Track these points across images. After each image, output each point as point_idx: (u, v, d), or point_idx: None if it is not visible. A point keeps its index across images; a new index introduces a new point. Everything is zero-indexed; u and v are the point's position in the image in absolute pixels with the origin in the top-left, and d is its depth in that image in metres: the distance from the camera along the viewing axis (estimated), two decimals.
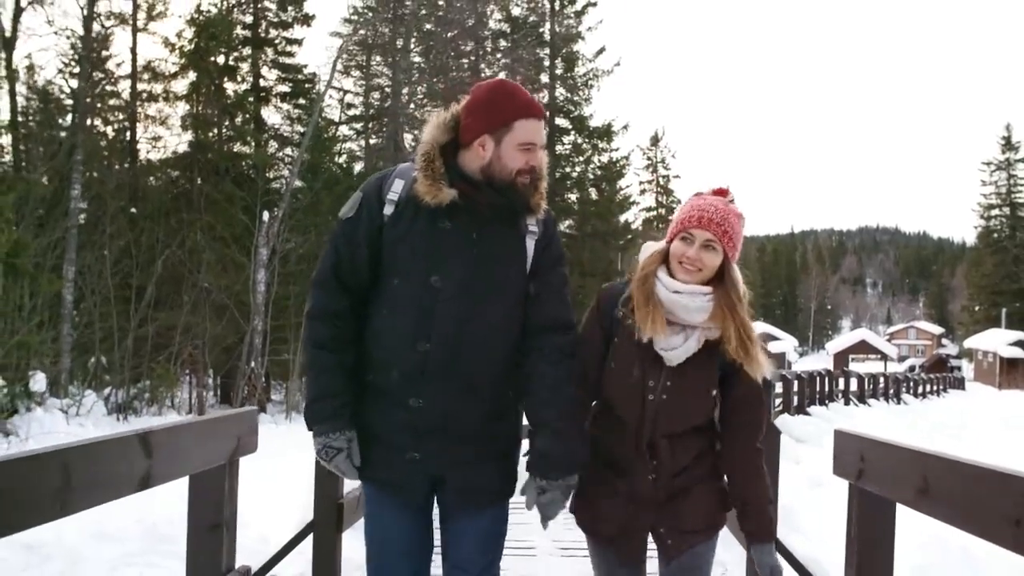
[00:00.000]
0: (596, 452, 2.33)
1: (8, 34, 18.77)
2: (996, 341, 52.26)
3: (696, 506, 2.26)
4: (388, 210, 2.21)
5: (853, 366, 49.18)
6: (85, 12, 19.63)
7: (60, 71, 22.88)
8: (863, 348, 71.91)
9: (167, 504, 5.24)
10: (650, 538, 2.34)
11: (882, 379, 25.73)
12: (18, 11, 19.72)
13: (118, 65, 22.98)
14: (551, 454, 2.22)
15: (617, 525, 2.29)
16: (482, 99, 2.22)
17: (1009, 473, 1.61)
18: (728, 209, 2.22)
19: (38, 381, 12.14)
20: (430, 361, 2.17)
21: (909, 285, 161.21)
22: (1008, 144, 61.11)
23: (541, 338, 2.25)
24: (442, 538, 2.39)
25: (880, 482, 2.40)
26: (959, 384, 41.78)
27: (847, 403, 20.21)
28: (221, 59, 22.81)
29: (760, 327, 45.04)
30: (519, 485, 2.33)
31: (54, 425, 11.85)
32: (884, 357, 68.65)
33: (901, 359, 75.46)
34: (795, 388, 16.16)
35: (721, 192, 2.29)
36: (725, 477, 2.32)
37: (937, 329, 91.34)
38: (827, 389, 19.05)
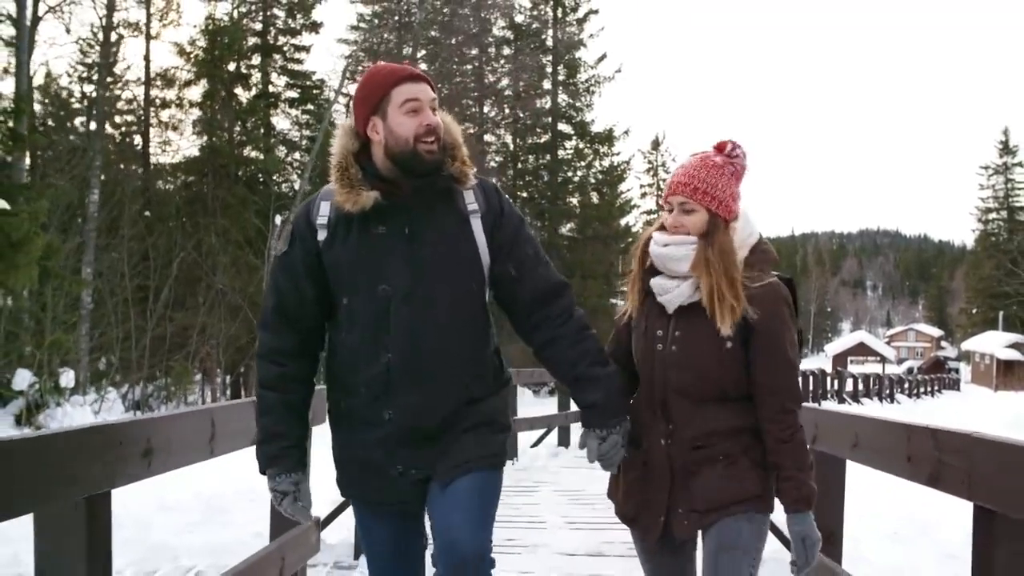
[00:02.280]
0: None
1: (21, 41, 19.39)
2: (993, 343, 52.86)
3: (712, 482, 2.12)
4: (321, 235, 2.14)
5: (852, 368, 49.81)
6: (104, 22, 20.26)
7: (80, 77, 23.55)
8: (862, 350, 72.51)
9: (220, 481, 5.90)
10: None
11: (875, 379, 26.35)
12: (35, 20, 20.39)
13: (126, 69, 23.64)
14: (597, 403, 2.17)
15: (635, 503, 2.22)
16: (359, 88, 2.18)
17: (903, 423, 2.23)
18: (701, 164, 2.17)
19: (68, 378, 12.78)
20: (393, 371, 2.11)
21: (909, 288, 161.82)
22: (1006, 148, 61.57)
23: (540, 310, 2.21)
24: (431, 514, 2.24)
25: (829, 442, 3.01)
26: (954, 385, 42.44)
27: (840, 402, 20.82)
28: (232, 66, 23.47)
29: None
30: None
31: (83, 419, 12.48)
32: (883, 359, 69.24)
33: (900, 361, 76.00)
34: None
35: (720, 147, 2.22)
36: (762, 458, 2.15)
37: (936, 332, 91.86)
38: (821, 388, 19.65)
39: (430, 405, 2.12)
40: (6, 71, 17.19)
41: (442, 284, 2.12)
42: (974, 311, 63.64)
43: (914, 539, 5.29)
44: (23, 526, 5.23)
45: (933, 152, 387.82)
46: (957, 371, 56.99)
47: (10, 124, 13.70)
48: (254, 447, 2.23)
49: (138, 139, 24.28)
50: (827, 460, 3.08)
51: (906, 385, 30.38)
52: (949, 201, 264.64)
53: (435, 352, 2.11)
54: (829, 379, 22.38)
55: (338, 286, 2.14)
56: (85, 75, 23.48)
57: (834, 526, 3.20)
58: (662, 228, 2.24)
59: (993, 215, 61.99)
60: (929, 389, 33.36)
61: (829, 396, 20.66)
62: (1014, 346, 51.12)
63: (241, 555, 3.43)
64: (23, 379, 12.16)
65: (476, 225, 2.17)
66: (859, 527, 5.03)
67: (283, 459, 2.15)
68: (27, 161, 19.83)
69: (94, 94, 21.42)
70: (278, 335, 2.18)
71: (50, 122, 22.23)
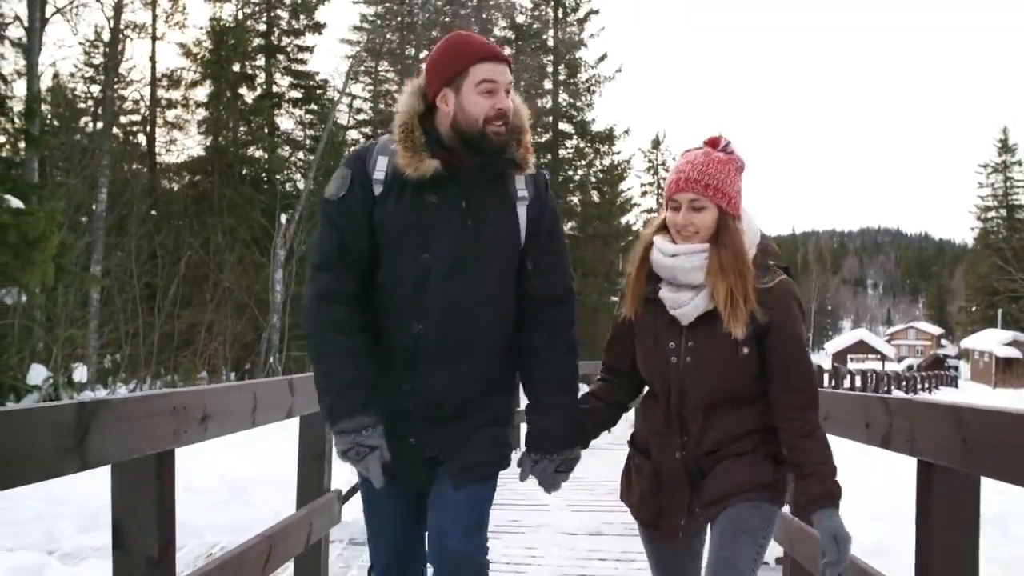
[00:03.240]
0: (635, 438, 2.28)
1: (32, 44, 19.69)
2: (992, 341, 53.14)
3: (724, 476, 2.09)
4: (377, 189, 2.09)
5: (851, 366, 50.14)
6: (112, 24, 20.60)
7: (83, 77, 23.89)
8: (861, 348, 72.89)
9: (242, 464, 6.22)
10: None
11: (872, 376, 26.68)
12: (43, 22, 20.71)
13: (130, 69, 24.01)
14: (540, 430, 2.19)
15: (651, 510, 2.19)
16: (437, 54, 2.10)
17: (861, 395, 2.55)
18: (709, 159, 2.07)
19: (81, 373, 13.12)
20: (423, 341, 2.07)
21: (910, 286, 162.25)
22: (1005, 147, 61.80)
23: (540, 311, 2.18)
24: (429, 512, 2.24)
25: None
26: (952, 382, 42.78)
27: None
28: (237, 67, 23.80)
29: None
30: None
31: None
32: (883, 357, 69.58)
33: (900, 359, 76.32)
34: None
35: (713, 142, 2.13)
36: (775, 453, 2.14)
37: (936, 330, 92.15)
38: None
39: (456, 383, 2.10)
40: (19, 73, 17.51)
41: (494, 263, 2.11)
42: (973, 309, 63.88)
43: (897, 518, 5.60)
44: (56, 504, 5.54)
45: (934, 150, 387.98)
46: (956, 369, 57.30)
47: (22, 125, 14.05)
48: (323, 403, 2.08)
49: (143, 139, 24.65)
50: None
51: (903, 383, 30.71)
52: (950, 199, 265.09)
53: (472, 327, 2.09)
54: (826, 376, 22.71)
55: (383, 246, 2.10)
56: (90, 76, 23.88)
57: None
58: (663, 230, 2.15)
59: (992, 213, 62.22)
60: (926, 386, 33.70)
61: None
62: (1013, 343, 51.39)
63: None
64: (38, 374, 12.49)
65: (521, 211, 2.16)
66: (843, 506, 5.34)
67: (368, 409, 2.02)
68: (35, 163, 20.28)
69: (100, 94, 21.78)
70: (339, 276, 2.08)
71: (55, 122, 22.62)
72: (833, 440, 3.34)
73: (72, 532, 5.19)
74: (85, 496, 5.76)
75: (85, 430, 1.82)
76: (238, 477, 6.08)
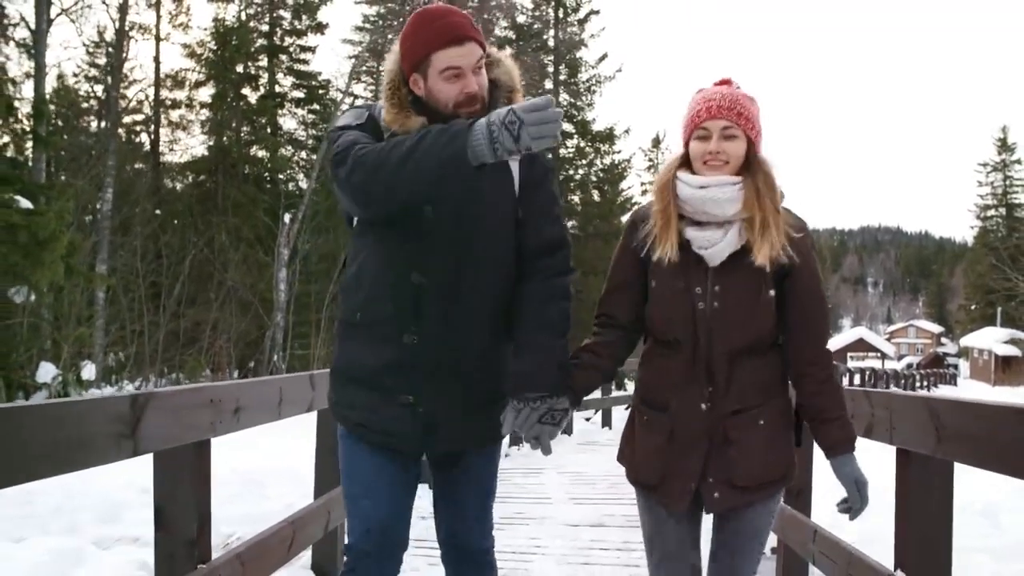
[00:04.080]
0: (644, 394, 2.17)
1: (39, 45, 19.86)
2: (991, 339, 53.36)
3: (754, 455, 2.02)
4: (386, 133, 2.08)
5: (851, 364, 50.29)
6: (116, 25, 20.78)
7: (86, 77, 24.05)
8: (861, 346, 73.06)
9: (255, 459, 6.40)
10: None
11: (870, 374, 26.87)
12: (48, 23, 20.88)
13: (133, 70, 24.21)
14: (520, 371, 2.09)
15: (659, 469, 2.08)
16: (403, 37, 2.07)
17: (847, 389, 2.75)
18: (736, 92, 2.05)
19: (89, 371, 13.30)
20: (424, 293, 2.05)
21: (910, 284, 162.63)
22: (1004, 146, 61.95)
23: (533, 261, 2.14)
24: (434, 498, 2.29)
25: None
26: (951, 380, 42.94)
27: None
28: (240, 67, 24.00)
29: None
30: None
31: None
32: (882, 355, 69.75)
33: (900, 357, 76.49)
34: None
35: (725, 82, 2.11)
36: (790, 417, 2.12)
37: (936, 328, 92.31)
38: None
39: (460, 337, 2.08)
40: (28, 75, 17.69)
41: (489, 216, 2.09)
42: (973, 307, 64.03)
43: (888, 510, 5.78)
44: (75, 497, 5.70)
45: (934, 149, 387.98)
46: (956, 367, 57.47)
47: (29, 126, 14.24)
48: (440, 151, 1.87)
49: (145, 138, 24.84)
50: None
51: (902, 381, 30.89)
52: (950, 198, 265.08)
53: (474, 281, 2.08)
54: None
55: None
56: (93, 75, 24.05)
57: (803, 485, 3.70)
58: (683, 166, 2.09)
59: (992, 212, 62.37)
60: (925, 384, 33.87)
61: None
62: (1011, 341, 51.59)
63: None
64: (47, 372, 12.67)
65: (514, 165, 2.13)
66: (836, 497, 5.52)
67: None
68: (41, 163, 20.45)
69: (104, 95, 21.96)
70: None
71: (60, 123, 22.81)
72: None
73: (93, 524, 5.36)
74: (103, 490, 5.94)
75: (137, 420, 2.01)
76: (251, 470, 6.26)
